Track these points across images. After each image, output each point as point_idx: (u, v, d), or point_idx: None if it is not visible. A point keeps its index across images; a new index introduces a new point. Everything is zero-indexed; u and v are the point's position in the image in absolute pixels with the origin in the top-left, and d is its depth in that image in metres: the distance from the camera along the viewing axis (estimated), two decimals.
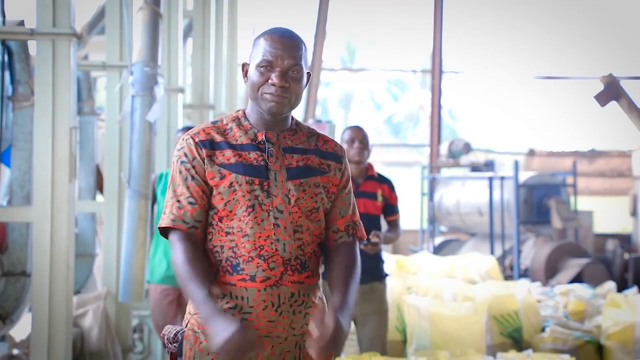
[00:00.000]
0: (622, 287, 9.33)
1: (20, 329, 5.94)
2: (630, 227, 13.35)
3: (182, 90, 7.47)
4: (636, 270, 10.43)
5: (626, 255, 11.15)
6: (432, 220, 12.49)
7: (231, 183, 2.40)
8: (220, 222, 2.42)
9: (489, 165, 12.35)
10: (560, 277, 9.35)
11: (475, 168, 12.40)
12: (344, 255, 2.55)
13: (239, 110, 2.55)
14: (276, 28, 2.48)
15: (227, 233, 2.41)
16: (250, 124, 2.49)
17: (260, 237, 2.39)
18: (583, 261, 9.47)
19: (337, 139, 6.64)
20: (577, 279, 9.17)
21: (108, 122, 6.10)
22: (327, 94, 36.52)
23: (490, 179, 10.76)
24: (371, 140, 4.82)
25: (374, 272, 4.75)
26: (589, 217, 12.75)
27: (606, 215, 16.78)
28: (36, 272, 4.47)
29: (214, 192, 2.41)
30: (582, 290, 7.29)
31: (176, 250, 2.41)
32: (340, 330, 2.30)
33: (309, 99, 14.33)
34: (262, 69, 2.42)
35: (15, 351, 5.60)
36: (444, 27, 14.45)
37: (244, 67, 2.52)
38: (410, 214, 15.26)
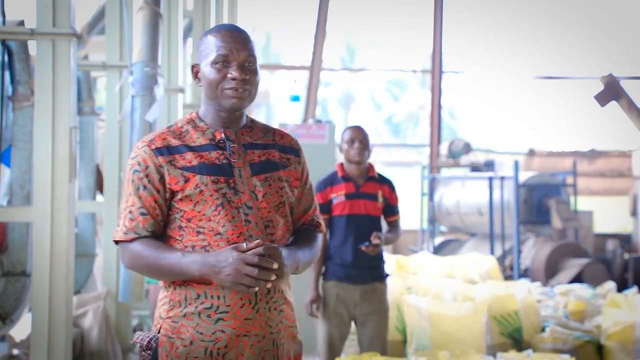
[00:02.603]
0: (622, 287, 9.33)
1: (20, 329, 5.94)
2: (630, 227, 13.34)
3: (182, 90, 7.48)
4: (636, 270, 10.43)
5: (626, 255, 11.15)
6: (432, 220, 12.49)
7: (197, 184, 2.36)
8: (190, 222, 2.37)
9: (489, 165, 12.35)
10: (560, 277, 9.35)
11: (475, 168, 12.40)
12: (306, 233, 2.58)
13: (192, 113, 2.51)
14: (222, 24, 2.46)
15: (198, 232, 2.37)
16: (206, 124, 2.45)
17: (232, 234, 2.36)
18: (583, 261, 9.47)
19: (337, 139, 6.66)
20: (577, 279, 9.17)
21: (108, 122, 6.11)
22: (327, 94, 36.51)
23: (490, 179, 10.76)
24: (371, 140, 4.81)
25: (375, 273, 4.75)
26: (589, 217, 12.74)
27: (606, 215, 16.77)
28: (36, 272, 4.47)
29: (179, 196, 2.36)
30: (582, 290, 7.28)
31: (130, 250, 2.38)
32: (280, 253, 2.28)
33: (309, 99, 14.32)
34: (218, 65, 2.38)
35: (15, 351, 5.61)
36: (444, 27, 14.44)
37: (194, 68, 2.46)
38: (410, 214, 15.26)
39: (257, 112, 33.46)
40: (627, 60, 40.70)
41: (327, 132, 7.40)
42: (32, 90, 4.87)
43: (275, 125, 7.65)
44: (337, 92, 37.43)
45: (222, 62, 2.38)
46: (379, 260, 4.76)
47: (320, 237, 2.63)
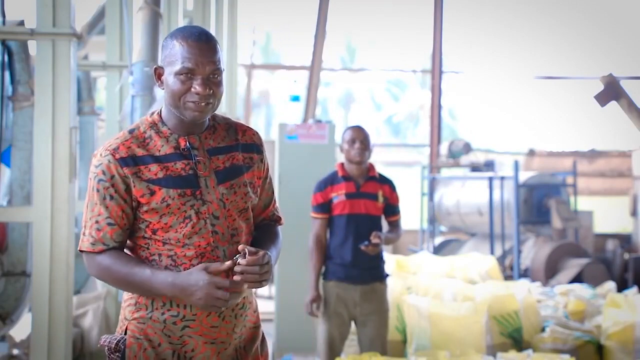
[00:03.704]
0: (622, 287, 9.32)
1: (20, 329, 5.94)
2: (630, 227, 13.34)
3: None
4: (636, 270, 10.43)
5: (626, 255, 11.15)
6: (432, 220, 12.48)
7: (163, 198, 2.33)
8: (155, 234, 2.36)
9: (489, 165, 12.34)
10: (560, 277, 9.34)
11: (475, 168, 12.39)
12: (267, 228, 2.57)
13: (153, 114, 2.46)
14: (189, 30, 2.37)
15: (164, 243, 2.36)
16: (169, 129, 2.40)
17: (200, 245, 2.35)
18: (583, 261, 9.46)
19: (337, 139, 6.66)
20: (577, 279, 9.16)
21: (108, 122, 6.10)
22: (327, 94, 36.51)
23: (490, 179, 10.75)
24: (372, 140, 4.81)
25: (375, 273, 4.75)
26: (589, 217, 12.74)
27: (606, 215, 16.77)
28: (36, 272, 4.47)
29: (145, 208, 2.34)
30: (582, 290, 7.28)
31: (98, 262, 2.36)
32: (262, 258, 2.28)
33: (309, 99, 14.32)
34: (182, 77, 2.32)
35: (15, 351, 5.60)
36: (444, 27, 14.44)
37: (157, 70, 2.40)
38: (410, 214, 15.26)
39: (257, 112, 33.47)
40: (627, 60, 40.71)
41: (327, 132, 7.40)
42: (32, 90, 4.87)
43: (275, 125, 7.65)
44: (337, 92, 37.43)
45: (186, 74, 2.32)
46: (379, 260, 4.76)
47: (280, 232, 2.61)
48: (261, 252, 2.29)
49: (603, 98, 5.07)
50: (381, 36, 48.55)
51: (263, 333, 2.58)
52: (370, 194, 4.74)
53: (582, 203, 13.38)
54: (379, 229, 4.69)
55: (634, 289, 7.31)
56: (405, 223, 7.07)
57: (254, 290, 2.50)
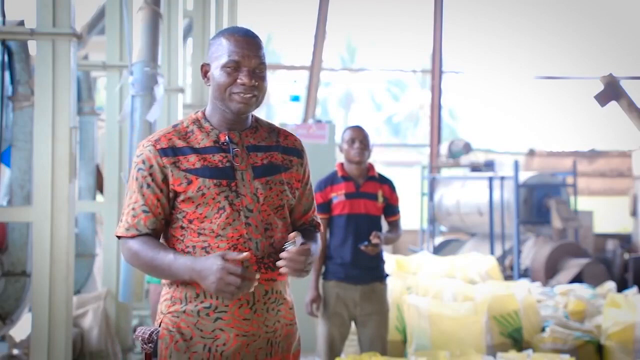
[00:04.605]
0: (622, 287, 9.31)
1: (20, 329, 5.94)
2: (630, 227, 13.34)
3: (182, 90, 7.47)
4: (636, 270, 10.42)
5: (626, 255, 11.14)
6: (432, 220, 12.49)
7: (199, 187, 2.40)
8: (191, 223, 2.42)
9: (489, 165, 12.34)
10: (560, 277, 9.34)
11: (475, 168, 12.39)
12: (307, 232, 2.64)
13: (197, 112, 2.54)
14: (236, 28, 2.49)
15: (199, 234, 2.42)
16: (211, 125, 2.49)
17: (233, 236, 2.41)
18: (583, 261, 9.46)
19: (337, 139, 6.66)
20: (577, 279, 9.16)
21: (108, 122, 6.10)
22: (327, 94, 36.52)
23: (490, 179, 10.76)
24: (372, 140, 4.81)
25: (375, 273, 4.75)
26: (589, 217, 12.74)
27: (606, 215, 16.77)
28: (36, 272, 4.47)
29: (182, 197, 2.41)
30: (582, 290, 7.28)
31: (129, 247, 2.43)
32: (310, 251, 2.38)
33: (309, 99, 14.32)
34: (228, 69, 2.42)
35: (15, 351, 5.60)
36: (444, 27, 14.44)
37: (204, 67, 2.50)
38: (410, 214, 15.26)
39: (258, 112, 33.44)
40: (627, 60, 40.72)
41: (327, 132, 7.40)
42: (32, 90, 4.87)
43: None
44: (337, 92, 37.44)
45: (233, 67, 2.42)
46: (378, 260, 4.76)
47: (319, 237, 2.68)
48: (310, 244, 2.41)
49: (603, 98, 5.07)
50: (381, 36, 48.59)
51: (299, 335, 2.61)
52: (369, 194, 4.74)
53: (582, 203, 13.39)
54: (379, 229, 4.69)
55: (634, 289, 7.31)
56: (405, 223, 7.06)
57: (288, 287, 2.57)
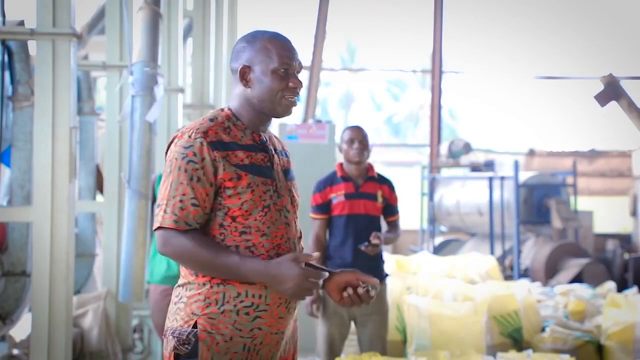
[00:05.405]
0: (622, 287, 9.31)
1: (20, 329, 5.94)
2: (630, 227, 13.34)
3: (182, 90, 7.47)
4: (636, 270, 10.42)
5: (626, 255, 11.15)
6: (432, 220, 12.49)
7: (249, 184, 2.41)
8: (234, 221, 2.41)
9: (489, 165, 12.34)
10: (560, 277, 9.35)
11: (475, 168, 12.39)
12: None
13: (222, 110, 2.52)
14: (272, 32, 2.52)
15: (242, 232, 2.41)
16: (243, 124, 2.50)
17: (276, 236, 2.44)
18: (583, 261, 9.46)
19: (337, 139, 6.65)
20: (577, 279, 9.17)
21: (108, 122, 6.10)
22: (327, 94, 36.51)
23: (490, 179, 10.76)
24: (371, 140, 4.81)
25: (375, 273, 4.73)
26: (589, 217, 12.75)
27: (606, 215, 16.77)
28: (36, 272, 4.47)
29: (229, 192, 2.40)
30: (582, 290, 7.28)
31: (180, 240, 2.36)
32: None
33: (309, 99, 14.33)
34: (281, 73, 2.45)
35: (15, 351, 5.60)
36: (444, 27, 14.45)
37: (243, 69, 2.47)
38: (410, 214, 15.26)
39: None
40: (627, 60, 40.72)
41: (327, 132, 7.40)
42: (32, 90, 4.86)
43: (275, 125, 7.67)
44: (337, 92, 37.44)
45: (284, 71, 2.46)
46: (378, 260, 4.76)
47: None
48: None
49: (603, 98, 5.07)
50: (381, 36, 48.57)
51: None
52: (369, 194, 4.74)
53: (582, 203, 13.39)
54: (379, 229, 4.69)
55: (634, 289, 7.32)
56: (405, 223, 7.07)
57: None
